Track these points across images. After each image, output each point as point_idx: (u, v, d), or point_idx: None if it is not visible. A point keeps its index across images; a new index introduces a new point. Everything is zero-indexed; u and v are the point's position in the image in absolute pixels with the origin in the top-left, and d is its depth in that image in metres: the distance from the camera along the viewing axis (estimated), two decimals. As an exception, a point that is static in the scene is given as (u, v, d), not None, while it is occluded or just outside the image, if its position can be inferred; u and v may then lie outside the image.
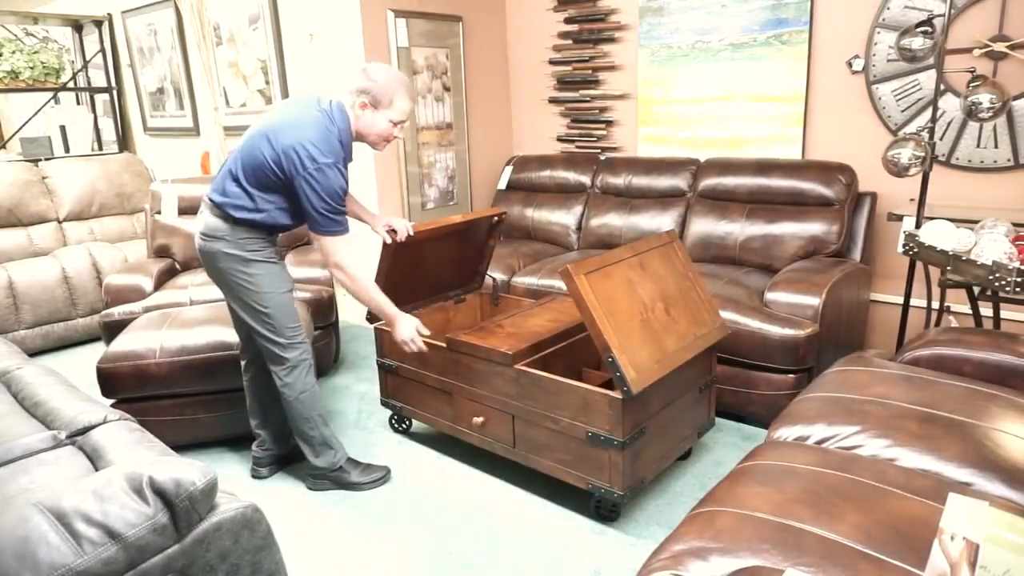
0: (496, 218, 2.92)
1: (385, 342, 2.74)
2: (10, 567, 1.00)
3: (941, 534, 0.96)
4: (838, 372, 2.00)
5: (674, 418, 2.32)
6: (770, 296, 2.81)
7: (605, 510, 2.23)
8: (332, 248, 2.22)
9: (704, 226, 3.48)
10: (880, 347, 3.36)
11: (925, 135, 2.66)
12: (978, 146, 3.04)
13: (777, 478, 1.46)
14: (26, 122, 5.38)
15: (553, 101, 4.46)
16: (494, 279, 3.17)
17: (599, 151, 4.28)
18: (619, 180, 3.91)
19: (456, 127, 4.40)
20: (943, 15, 2.65)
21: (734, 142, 3.73)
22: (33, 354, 3.84)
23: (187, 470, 1.18)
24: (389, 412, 2.93)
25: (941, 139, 3.09)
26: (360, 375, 3.53)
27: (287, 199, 2.22)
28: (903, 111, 3.21)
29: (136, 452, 1.54)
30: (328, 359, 3.53)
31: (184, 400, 2.71)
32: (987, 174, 3.06)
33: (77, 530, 1.06)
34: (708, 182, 3.56)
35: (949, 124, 3.08)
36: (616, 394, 2.02)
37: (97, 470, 1.50)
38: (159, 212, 3.90)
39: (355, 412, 3.12)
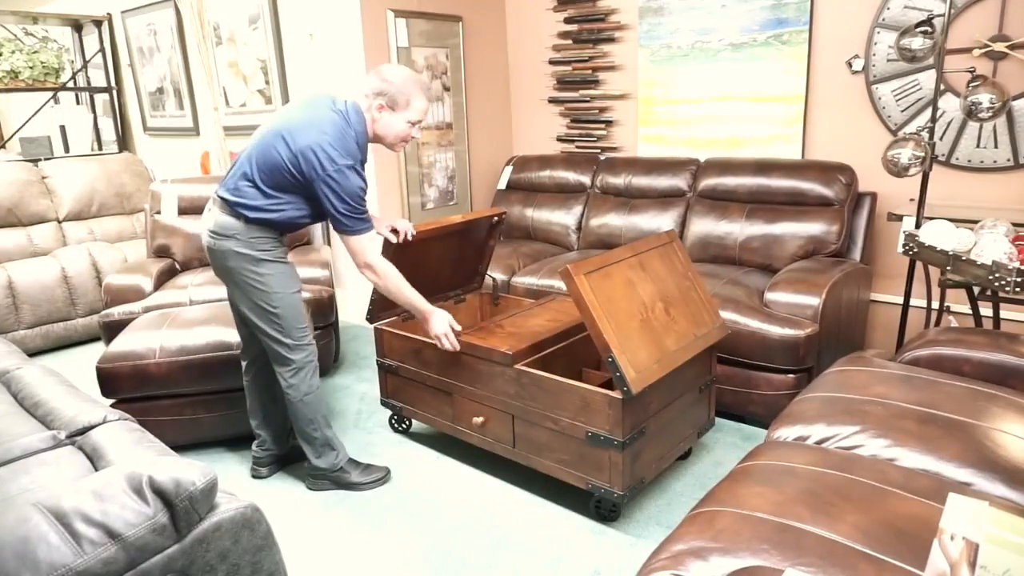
0: (496, 218, 2.92)
1: (385, 342, 2.74)
2: (10, 567, 1.00)
3: (941, 534, 0.96)
4: (838, 372, 2.00)
5: (674, 418, 2.32)
6: (770, 296, 2.81)
7: (605, 510, 2.23)
8: (360, 248, 2.21)
9: (704, 226, 3.48)
10: (880, 347, 3.36)
11: (925, 135, 2.66)
12: (978, 146, 3.04)
13: (777, 478, 1.46)
14: (26, 122, 5.38)
15: (553, 101, 4.46)
16: (494, 279, 3.17)
17: (599, 151, 4.28)
18: (619, 180, 3.91)
19: (456, 127, 4.40)
20: (943, 15, 2.65)
21: (734, 142, 3.73)
22: (33, 354, 3.84)
23: (187, 470, 1.18)
24: (389, 412, 2.93)
25: (941, 139, 3.09)
26: (360, 375, 3.53)
27: (305, 199, 2.21)
28: (903, 111, 3.21)
29: (136, 452, 1.54)
30: (328, 359, 3.53)
31: (184, 400, 2.71)
32: (987, 174, 3.06)
33: (77, 530, 1.06)
34: (708, 182, 3.56)
35: (949, 124, 3.08)
36: (616, 394, 2.02)
37: (97, 470, 1.51)
38: (159, 212, 3.90)
39: (355, 412, 3.12)
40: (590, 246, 3.91)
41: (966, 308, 2.64)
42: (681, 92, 3.86)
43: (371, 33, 3.81)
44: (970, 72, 2.63)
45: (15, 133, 5.60)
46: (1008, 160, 2.99)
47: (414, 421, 2.89)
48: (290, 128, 2.13)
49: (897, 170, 2.63)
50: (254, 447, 2.60)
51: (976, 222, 2.51)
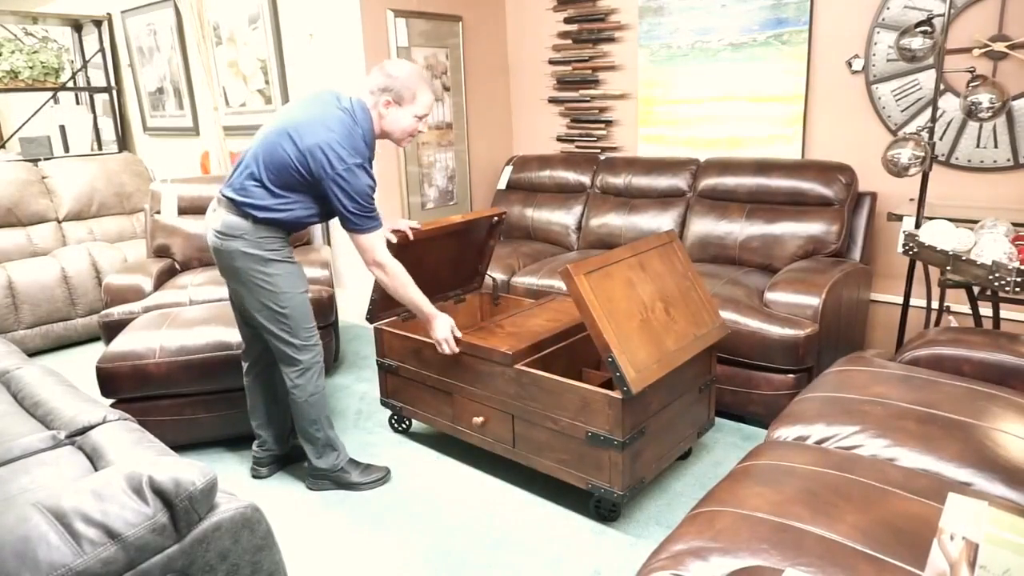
0: (496, 218, 2.92)
1: (385, 342, 2.74)
2: (10, 567, 1.00)
3: (941, 534, 0.96)
4: (838, 372, 2.00)
5: (674, 418, 2.32)
6: (770, 296, 2.81)
7: (605, 510, 2.23)
8: (369, 245, 2.21)
9: (704, 226, 3.48)
10: (880, 347, 3.36)
11: (925, 135, 2.66)
12: (978, 146, 3.04)
13: (777, 478, 1.46)
14: (25, 122, 5.38)
15: (553, 101, 4.46)
16: (494, 279, 3.17)
17: (599, 151, 4.28)
18: (619, 180, 3.91)
19: (456, 127, 4.40)
20: (943, 15, 2.65)
21: (734, 142, 3.73)
22: (32, 354, 3.84)
23: (187, 470, 1.18)
24: (389, 412, 2.93)
25: (941, 139, 3.09)
26: (360, 375, 3.53)
27: (313, 198, 2.20)
28: (903, 111, 3.21)
29: (135, 452, 1.54)
30: (328, 359, 3.53)
31: (184, 400, 2.71)
32: (987, 174, 3.06)
33: (77, 530, 1.06)
34: (708, 182, 3.56)
35: (949, 124, 3.08)
36: (616, 394, 2.02)
37: (97, 470, 1.50)
38: (159, 212, 3.90)
39: (355, 412, 3.12)
40: (590, 246, 3.91)
41: (966, 308, 2.64)
42: (681, 92, 3.86)
43: (371, 33, 3.81)
44: (970, 72, 2.63)
45: (15, 133, 5.60)
46: (1008, 160, 2.99)
47: (414, 421, 2.89)
48: (297, 126, 2.11)
49: (897, 170, 2.63)
50: (254, 447, 2.60)
51: (976, 222, 2.51)
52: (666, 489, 2.42)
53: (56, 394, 1.91)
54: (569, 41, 4.28)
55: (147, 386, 2.64)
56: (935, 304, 2.85)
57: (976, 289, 2.50)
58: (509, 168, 4.45)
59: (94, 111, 5.86)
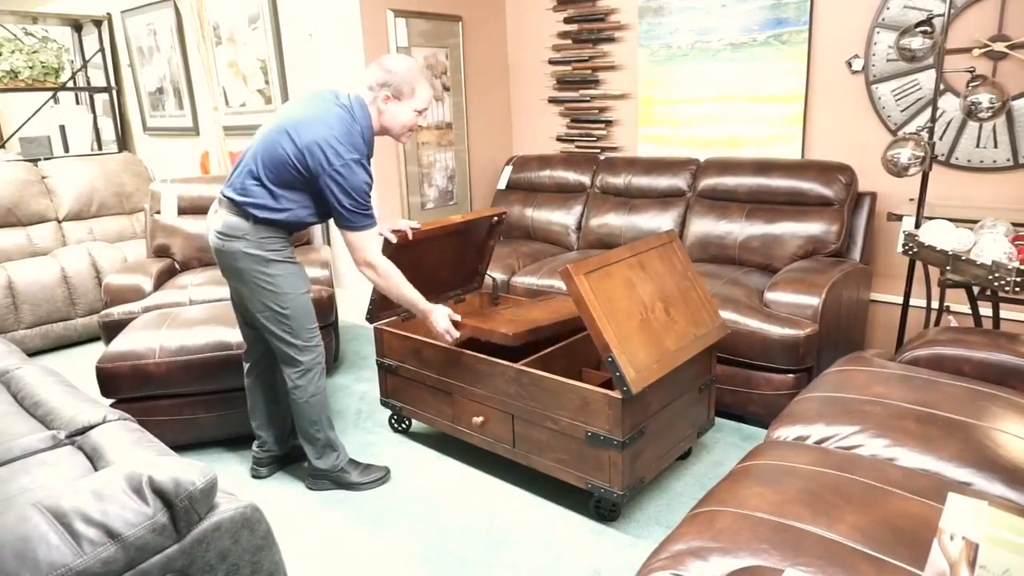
0: (496, 218, 2.92)
1: (385, 342, 2.74)
2: (10, 567, 1.00)
3: (941, 534, 0.96)
4: (838, 372, 2.00)
5: (674, 418, 2.32)
6: (770, 296, 2.81)
7: (605, 510, 2.23)
8: (360, 244, 2.20)
9: (704, 226, 3.48)
10: (880, 347, 3.36)
11: (925, 135, 2.66)
12: (977, 146, 3.04)
13: (777, 478, 1.46)
14: (25, 122, 5.38)
15: (553, 101, 4.46)
16: (494, 279, 3.17)
17: (599, 151, 4.28)
18: (619, 180, 3.91)
19: (456, 127, 4.40)
20: (943, 15, 2.65)
21: (734, 142, 3.73)
22: (32, 354, 3.84)
23: (186, 470, 1.18)
24: (389, 412, 2.93)
25: (941, 139, 3.09)
26: (360, 375, 3.53)
27: (311, 197, 2.20)
28: (903, 111, 3.21)
29: (135, 452, 1.54)
30: (328, 359, 3.52)
31: (184, 400, 2.71)
32: (987, 174, 3.06)
33: (76, 530, 1.06)
34: (708, 182, 3.56)
35: (949, 124, 3.08)
36: (616, 394, 2.02)
37: (97, 470, 1.50)
38: (159, 212, 3.90)
39: (355, 412, 3.12)
40: (590, 246, 3.91)
41: (966, 308, 2.64)
42: (681, 92, 3.86)
43: (371, 33, 3.81)
44: (970, 72, 2.63)
45: (15, 133, 5.60)
46: (1008, 160, 2.99)
47: (414, 421, 2.89)
48: (295, 124, 2.11)
49: (897, 170, 2.63)
50: (254, 447, 2.60)
51: (976, 222, 2.51)
52: (666, 489, 2.42)
53: (56, 394, 1.91)
54: (569, 41, 4.28)
55: (147, 386, 2.64)
56: (935, 304, 2.85)
57: (976, 289, 2.50)
58: (509, 168, 4.45)
59: (94, 111, 5.86)
